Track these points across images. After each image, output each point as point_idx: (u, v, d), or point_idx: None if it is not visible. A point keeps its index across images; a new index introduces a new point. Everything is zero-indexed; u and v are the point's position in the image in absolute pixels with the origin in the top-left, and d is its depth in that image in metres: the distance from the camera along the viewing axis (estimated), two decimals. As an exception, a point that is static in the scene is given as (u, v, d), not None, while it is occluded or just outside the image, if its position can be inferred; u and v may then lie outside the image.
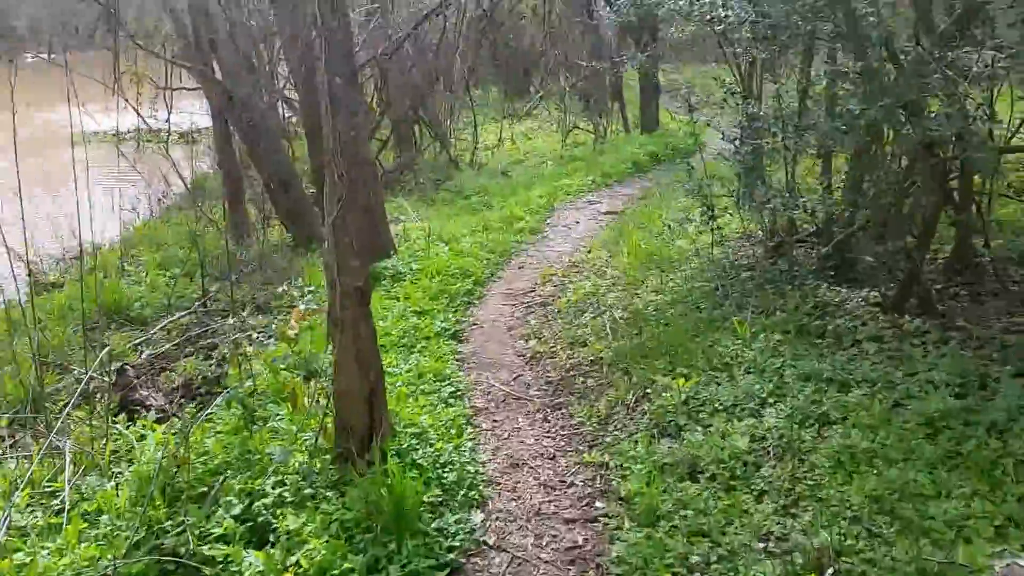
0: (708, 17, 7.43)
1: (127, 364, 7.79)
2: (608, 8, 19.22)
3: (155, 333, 9.67)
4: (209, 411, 6.21)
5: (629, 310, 7.89)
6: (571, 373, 6.88)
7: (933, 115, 5.50)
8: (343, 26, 5.11)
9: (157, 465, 4.81)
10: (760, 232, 9.01)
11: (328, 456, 5.15)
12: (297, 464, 5.03)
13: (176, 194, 15.33)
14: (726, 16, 6.98)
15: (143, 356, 8.95)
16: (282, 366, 5.74)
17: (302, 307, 5.38)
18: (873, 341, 5.88)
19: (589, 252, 10.81)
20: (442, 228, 12.30)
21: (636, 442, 5.32)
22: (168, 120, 16.74)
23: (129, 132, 14.97)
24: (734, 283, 7.87)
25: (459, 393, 6.58)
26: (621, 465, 5.14)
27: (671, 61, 23.08)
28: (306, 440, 5.36)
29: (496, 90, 26.66)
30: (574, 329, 7.83)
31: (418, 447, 5.26)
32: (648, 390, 6.00)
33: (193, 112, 20.34)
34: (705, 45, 17.82)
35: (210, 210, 14.02)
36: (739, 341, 6.30)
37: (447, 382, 6.69)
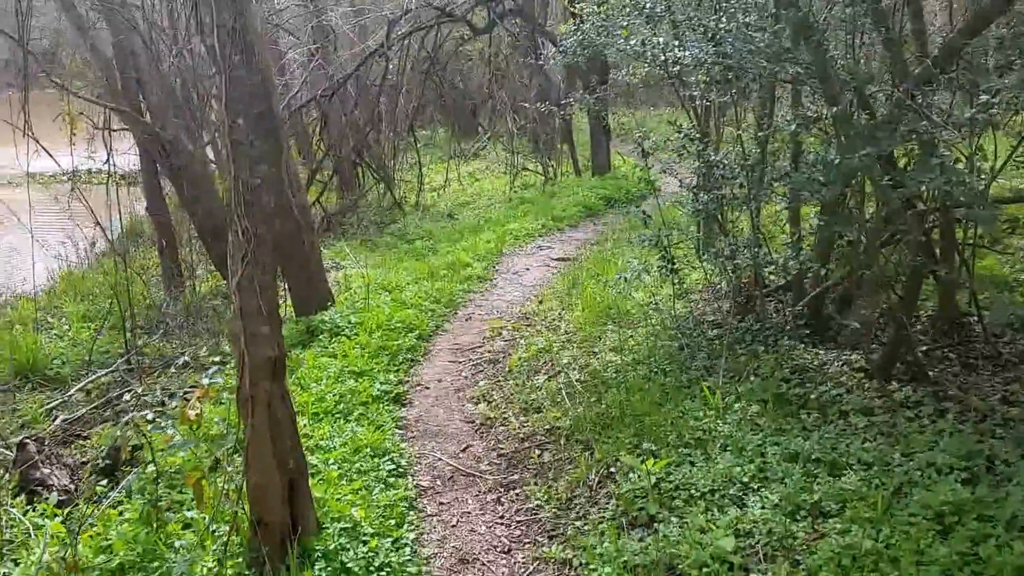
0: (661, 58, 6.91)
1: (27, 438, 6.92)
2: (555, 49, 18.88)
3: (72, 395, 8.80)
4: (111, 497, 5.40)
5: (587, 371, 7.25)
6: (525, 444, 6.19)
7: (914, 167, 5.02)
8: (250, 61, 4.40)
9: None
10: (724, 284, 8.47)
11: (241, 559, 4.37)
12: (205, 571, 4.25)
13: (111, 239, 14.39)
14: (681, 57, 6.44)
15: (57, 422, 8.07)
16: (182, 455, 4.95)
17: (206, 381, 4.60)
18: (862, 414, 5.30)
19: (541, 303, 10.19)
20: (385, 275, 11.60)
21: (602, 534, 4.64)
22: (108, 161, 15.83)
23: (66, 174, 14.05)
24: (700, 342, 7.28)
25: (400, 471, 5.84)
26: (586, 563, 4.45)
27: (622, 103, 22.86)
28: (219, 536, 4.58)
29: (443, 130, 26.15)
30: (527, 392, 7.16)
31: (349, 546, 4.51)
32: (612, 468, 5.34)
33: (135, 153, 19.41)
34: (659, 88, 17.48)
35: (142, 257, 13.18)
36: (711, 411, 5.68)
37: (387, 457, 5.95)
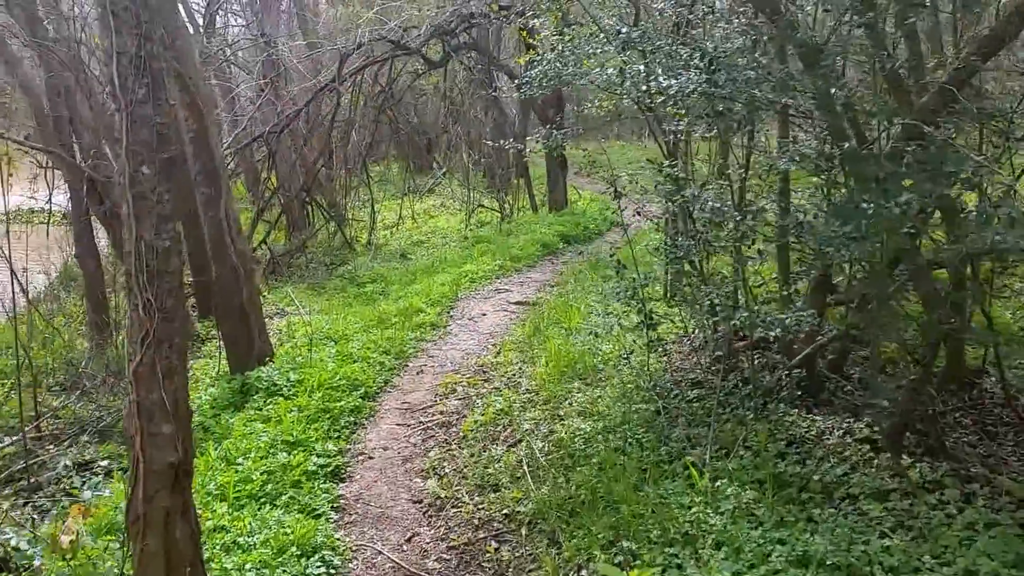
0: (643, 88, 6.18)
1: None
2: (514, 82, 18.23)
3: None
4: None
5: (551, 440, 6.43)
6: (480, 535, 5.34)
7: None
8: (157, 95, 3.57)
9: None
10: (701, 334, 7.73)
11: None
12: None
13: (24, 286, 13.26)
14: (666, 87, 5.72)
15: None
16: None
17: (88, 495, 3.69)
18: (875, 499, 4.53)
19: (499, 353, 9.37)
20: (332, 323, 10.73)
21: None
22: (49, 201, 14.83)
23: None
24: (679, 405, 6.50)
25: (332, 573, 4.94)
26: None
27: (578, 136, 22.27)
28: None
29: (397, 166, 25.37)
30: (483, 465, 6.32)
31: None
32: (584, 571, 4.50)
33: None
34: (625, 120, 16.88)
35: (74, 304, 12.16)
36: (699, 497, 4.87)
37: (317, 556, 5.05)
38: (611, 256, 7.16)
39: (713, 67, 5.02)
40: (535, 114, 17.00)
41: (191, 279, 11.58)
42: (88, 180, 9.78)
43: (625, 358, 7.86)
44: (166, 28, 7.91)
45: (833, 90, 5.00)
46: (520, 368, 8.61)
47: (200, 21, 17.95)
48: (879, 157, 4.49)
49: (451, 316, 11.29)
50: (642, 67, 6.15)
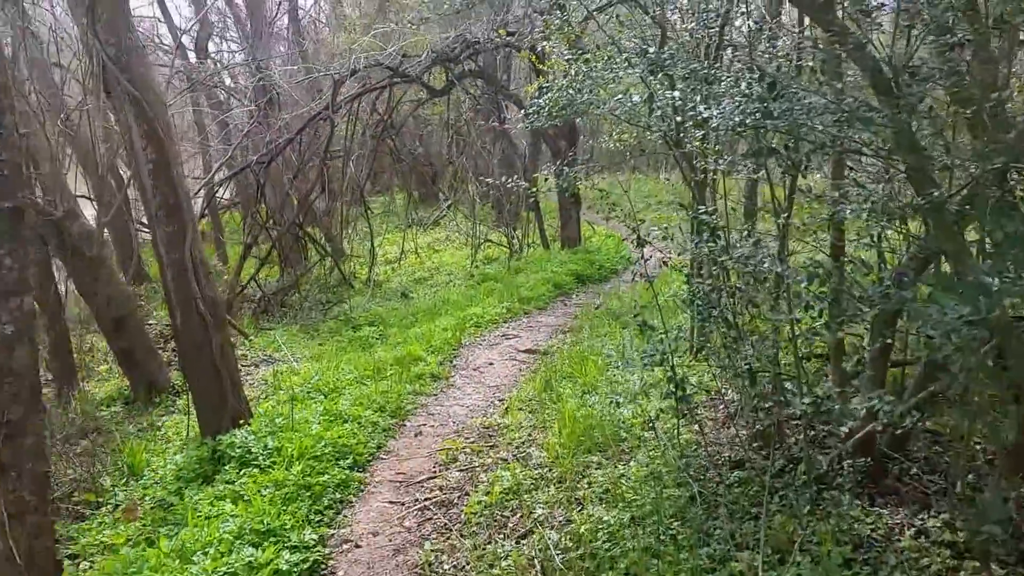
0: (677, 119, 5.24)
1: None
2: (522, 112, 17.36)
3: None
4: None
5: (568, 533, 5.41)
6: (486, 667, 4.32)
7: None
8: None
9: None
10: (735, 396, 6.75)
11: None
12: None
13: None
14: (706, 119, 4.77)
15: None
16: None
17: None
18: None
19: (507, 412, 8.40)
20: (323, 372, 9.77)
21: None
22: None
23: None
24: (719, 491, 5.50)
25: None
26: None
27: (595, 170, 21.42)
28: None
29: (401, 197, 24.54)
30: (488, 563, 5.31)
31: None
32: None
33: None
34: (647, 154, 15.99)
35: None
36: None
37: None
38: (635, 316, 6.16)
39: (776, 92, 4.06)
40: (546, 145, 16.14)
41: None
42: (44, 214, 8.86)
43: (651, 426, 6.89)
44: (119, 48, 7.06)
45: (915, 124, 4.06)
46: (530, 434, 7.61)
47: (186, 42, 17.18)
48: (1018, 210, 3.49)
49: (454, 366, 10.33)
50: (675, 93, 5.21)
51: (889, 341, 5.31)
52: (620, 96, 6.02)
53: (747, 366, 5.60)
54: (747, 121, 4.36)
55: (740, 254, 5.33)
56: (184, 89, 16.90)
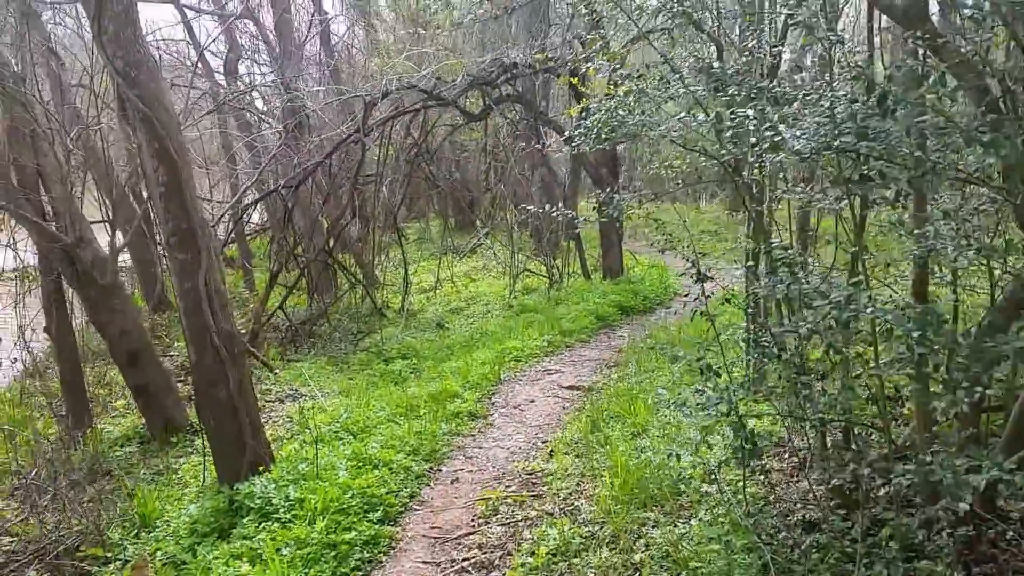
0: (751, 141, 4.55)
1: None
2: (567, 134, 16.74)
3: None
4: None
5: (630, 610, 4.69)
6: None
7: None
8: None
9: None
10: (801, 440, 6.00)
11: None
12: None
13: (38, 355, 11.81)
14: (780, 142, 4.07)
15: None
16: None
17: None
18: None
19: (551, 456, 7.69)
20: (352, 410, 9.14)
21: None
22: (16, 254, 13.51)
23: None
24: (793, 556, 4.75)
25: None
26: None
27: (648, 199, 20.67)
28: None
29: (436, 224, 24.02)
30: (537, 646, 4.59)
31: None
32: None
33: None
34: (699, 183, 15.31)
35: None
36: None
37: None
38: (698, 360, 5.44)
39: (890, 105, 3.36)
40: (586, 173, 15.51)
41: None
42: (55, 241, 8.35)
43: (712, 478, 6.17)
44: (127, 63, 6.55)
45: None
46: (578, 483, 6.88)
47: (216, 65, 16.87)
48: None
49: (493, 403, 9.64)
50: (750, 112, 4.52)
51: (988, 391, 4.55)
52: (682, 115, 5.35)
53: (818, 417, 4.91)
54: (834, 143, 3.66)
55: (819, 292, 4.61)
56: (209, 110, 16.53)
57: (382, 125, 14.22)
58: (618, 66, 6.78)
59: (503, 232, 19.08)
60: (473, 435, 8.65)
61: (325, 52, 20.39)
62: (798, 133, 4.16)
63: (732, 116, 4.52)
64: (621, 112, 5.67)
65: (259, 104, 19.32)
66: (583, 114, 6.28)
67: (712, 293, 6.25)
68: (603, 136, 5.76)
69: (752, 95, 4.80)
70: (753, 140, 4.42)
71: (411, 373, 11.15)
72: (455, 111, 16.13)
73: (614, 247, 14.95)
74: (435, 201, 22.66)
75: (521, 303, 14.23)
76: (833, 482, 5.50)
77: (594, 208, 7.51)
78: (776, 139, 4.01)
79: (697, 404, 5.34)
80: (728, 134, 4.80)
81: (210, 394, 7.13)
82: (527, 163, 17.20)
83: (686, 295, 15.13)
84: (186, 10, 15.41)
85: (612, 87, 8.53)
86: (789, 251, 4.79)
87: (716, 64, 4.97)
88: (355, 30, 24.63)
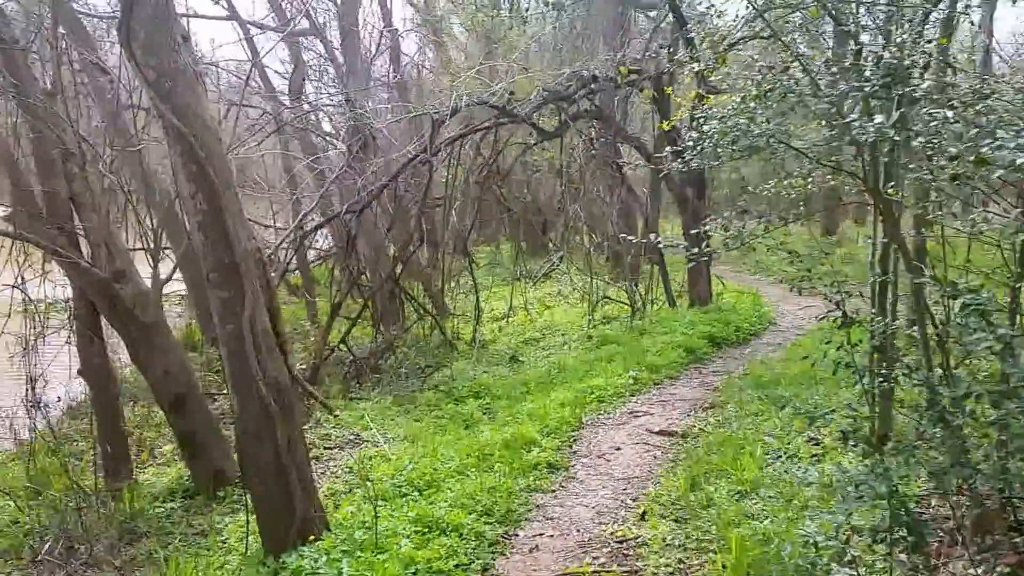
0: (952, 153, 3.43)
1: None
2: (642, 157, 15.65)
3: None
4: None
5: None
6: None
7: None
8: None
9: None
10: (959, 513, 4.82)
11: None
12: None
13: (72, 398, 11.12)
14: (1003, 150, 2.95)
15: None
16: None
17: None
18: None
19: (644, 519, 6.59)
20: (417, 460, 8.17)
21: None
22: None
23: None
24: None
25: None
26: None
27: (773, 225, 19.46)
28: None
29: (509, 247, 23.07)
30: None
31: None
32: None
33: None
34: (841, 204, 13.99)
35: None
36: None
37: None
38: (838, 417, 4.30)
39: None
40: (671, 194, 14.37)
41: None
42: (94, 279, 7.58)
43: (850, 562, 5.01)
44: (160, 72, 5.72)
45: None
46: (680, 559, 5.76)
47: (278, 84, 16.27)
48: None
49: (574, 451, 8.56)
50: (949, 113, 3.38)
51: None
52: (855, 118, 4.22)
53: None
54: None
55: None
56: (270, 132, 15.90)
57: (451, 144, 13.34)
58: (727, 70, 5.72)
59: (578, 256, 18.02)
60: (553, 490, 7.60)
61: (393, 69, 19.73)
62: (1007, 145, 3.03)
63: (917, 118, 3.40)
64: (743, 120, 4.58)
65: (326, 126, 18.73)
66: (693, 124, 5.22)
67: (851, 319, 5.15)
68: (719, 151, 4.68)
69: (931, 96, 3.68)
70: (953, 151, 3.28)
71: (483, 414, 10.16)
72: (528, 129, 15.22)
73: (702, 272, 13.74)
74: (506, 224, 21.67)
75: (601, 334, 13.11)
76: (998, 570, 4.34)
77: (725, 242, 6.30)
78: (994, 149, 2.87)
79: (842, 481, 4.20)
80: (916, 143, 3.67)
81: (254, 451, 6.24)
82: (605, 183, 16.13)
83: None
84: (249, 27, 14.82)
85: (710, 96, 7.45)
86: (981, 293, 3.64)
87: (887, 54, 3.87)
88: (426, 51, 24.01)
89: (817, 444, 7.68)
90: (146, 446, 9.92)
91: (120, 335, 8.06)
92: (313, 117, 16.20)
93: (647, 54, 13.68)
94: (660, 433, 8.75)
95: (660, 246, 6.74)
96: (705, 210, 13.14)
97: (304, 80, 16.62)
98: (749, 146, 4.77)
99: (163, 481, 8.46)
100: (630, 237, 9.50)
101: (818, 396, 8.71)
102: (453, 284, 15.19)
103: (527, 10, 22.84)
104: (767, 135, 4.72)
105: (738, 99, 4.97)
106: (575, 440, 8.80)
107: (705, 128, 4.89)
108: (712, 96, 8.50)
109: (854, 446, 7.35)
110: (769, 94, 4.62)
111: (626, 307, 14.25)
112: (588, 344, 12.78)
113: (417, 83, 20.19)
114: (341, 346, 12.76)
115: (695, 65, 7.32)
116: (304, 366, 12.80)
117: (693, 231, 13.03)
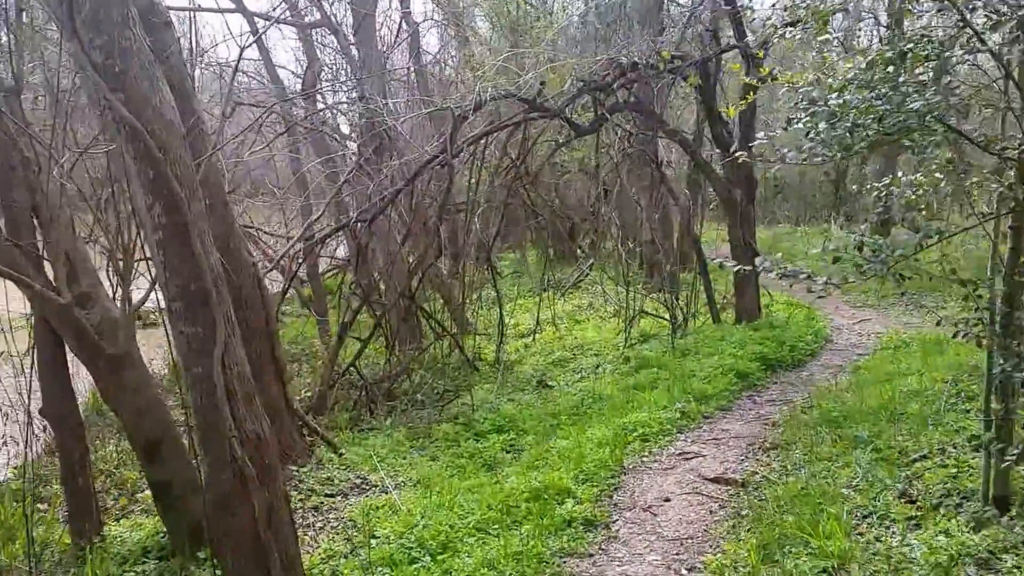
0: None
1: None
2: (682, 153, 14.32)
3: None
4: None
5: None
6: None
7: None
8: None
9: None
10: None
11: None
12: None
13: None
14: None
15: None
16: None
17: None
18: None
19: (707, 603, 5.30)
20: (432, 512, 6.95)
21: None
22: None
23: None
24: None
25: None
26: None
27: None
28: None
29: (535, 253, 21.77)
30: None
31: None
32: None
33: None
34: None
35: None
36: None
37: None
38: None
39: None
40: (716, 195, 13.00)
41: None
42: (53, 303, 6.36)
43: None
44: (109, 54, 4.59)
45: None
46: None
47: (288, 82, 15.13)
48: None
49: (615, 503, 7.27)
50: None
51: None
52: None
53: None
54: None
55: None
56: (280, 132, 14.76)
57: (474, 144, 12.08)
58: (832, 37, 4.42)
59: (611, 264, 16.68)
60: (591, 554, 6.35)
61: (414, 64, 18.52)
62: None
63: None
64: (879, 92, 3.25)
65: (345, 129, 17.56)
66: (812, 98, 3.91)
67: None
68: (859, 133, 3.36)
69: None
70: None
71: (508, 453, 8.91)
72: (557, 126, 13.95)
73: (750, 284, 12.33)
74: (532, 230, 20.36)
75: (639, 355, 11.76)
76: None
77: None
78: None
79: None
80: None
81: (226, 523, 5.02)
82: (642, 184, 14.80)
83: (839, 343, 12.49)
84: (256, 19, 13.63)
85: (775, 78, 6.22)
86: None
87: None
88: (447, 37, 22.75)
89: (912, 503, 6.34)
90: (127, 488, 8.73)
91: (87, 368, 6.87)
92: (328, 116, 14.96)
93: (686, 39, 12.38)
94: (716, 481, 7.43)
95: (763, 267, 5.36)
96: (754, 214, 11.83)
97: (318, 77, 15.40)
98: (901, 126, 3.43)
99: (137, 536, 7.23)
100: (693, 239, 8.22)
101: (903, 436, 7.37)
102: (475, 297, 13.91)
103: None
104: (932, 107, 3.38)
105: (853, 67, 3.65)
106: (616, 488, 7.50)
107: (834, 103, 3.57)
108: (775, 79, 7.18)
109: (960, 509, 6.09)
110: (907, 56, 3.30)
111: (665, 323, 12.89)
112: (625, 367, 11.45)
113: (438, 79, 18.96)
114: (351, 369, 11.52)
115: (752, 47, 6.05)
116: (310, 392, 11.62)
117: (741, 238, 11.77)
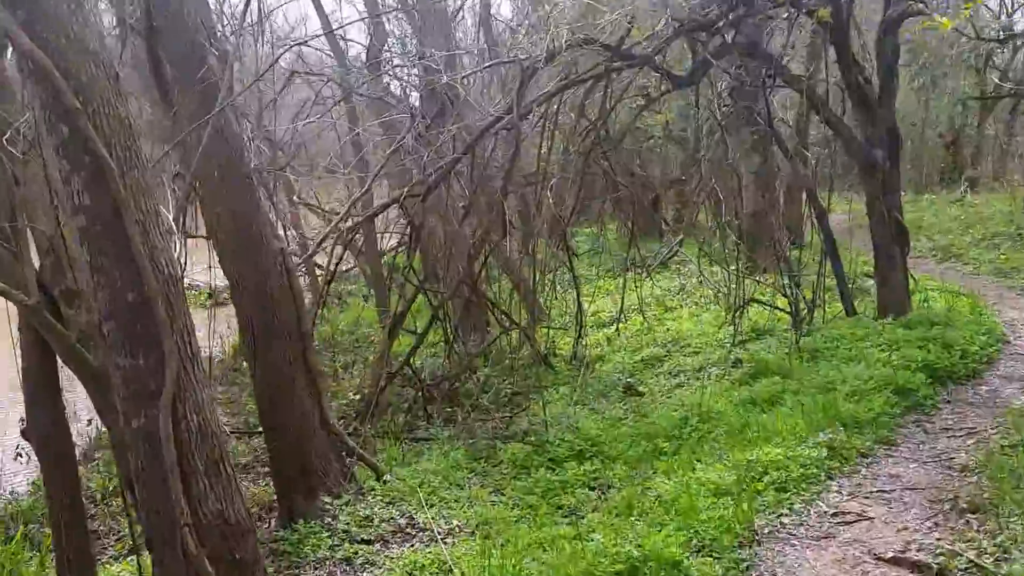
0: None
1: None
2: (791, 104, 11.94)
3: None
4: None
5: None
6: None
7: None
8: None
9: None
10: None
11: None
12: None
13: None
14: None
15: None
16: None
17: None
18: None
19: None
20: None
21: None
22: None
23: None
24: None
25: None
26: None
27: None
28: None
29: (612, 230, 19.55)
30: None
31: None
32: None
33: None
34: None
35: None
36: None
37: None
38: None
39: None
40: (850, 157, 10.58)
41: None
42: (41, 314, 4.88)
43: None
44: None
45: None
46: None
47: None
48: None
49: (748, 589, 5.14)
50: None
51: None
52: None
53: None
54: None
55: None
56: (338, 99, 13.05)
57: (546, 103, 10.00)
58: None
59: (704, 240, 14.38)
60: None
61: (484, 31, 16.74)
62: None
63: None
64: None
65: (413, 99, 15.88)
66: None
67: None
68: None
69: None
70: None
71: (591, 490, 6.88)
72: (643, 81, 11.78)
73: (895, 268, 9.77)
74: (614, 203, 18.09)
75: (753, 357, 9.48)
76: None
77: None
78: None
79: None
80: None
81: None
82: (743, 145, 12.49)
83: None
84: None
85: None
86: None
87: None
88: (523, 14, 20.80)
89: None
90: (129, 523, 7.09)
91: (80, 380, 5.34)
92: (392, 85, 13.21)
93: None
94: (896, 563, 5.19)
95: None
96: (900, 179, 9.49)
97: (383, 45, 13.72)
98: None
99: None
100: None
101: None
102: (548, 281, 11.84)
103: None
104: None
105: None
106: (747, 567, 5.33)
107: None
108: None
109: None
110: None
111: (782, 315, 10.59)
112: (736, 372, 9.24)
113: (507, 27, 17.08)
114: (405, 368, 9.66)
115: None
116: (359, 394, 9.85)
117: (884, 210, 9.43)
